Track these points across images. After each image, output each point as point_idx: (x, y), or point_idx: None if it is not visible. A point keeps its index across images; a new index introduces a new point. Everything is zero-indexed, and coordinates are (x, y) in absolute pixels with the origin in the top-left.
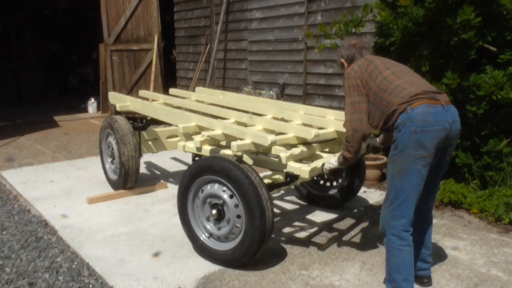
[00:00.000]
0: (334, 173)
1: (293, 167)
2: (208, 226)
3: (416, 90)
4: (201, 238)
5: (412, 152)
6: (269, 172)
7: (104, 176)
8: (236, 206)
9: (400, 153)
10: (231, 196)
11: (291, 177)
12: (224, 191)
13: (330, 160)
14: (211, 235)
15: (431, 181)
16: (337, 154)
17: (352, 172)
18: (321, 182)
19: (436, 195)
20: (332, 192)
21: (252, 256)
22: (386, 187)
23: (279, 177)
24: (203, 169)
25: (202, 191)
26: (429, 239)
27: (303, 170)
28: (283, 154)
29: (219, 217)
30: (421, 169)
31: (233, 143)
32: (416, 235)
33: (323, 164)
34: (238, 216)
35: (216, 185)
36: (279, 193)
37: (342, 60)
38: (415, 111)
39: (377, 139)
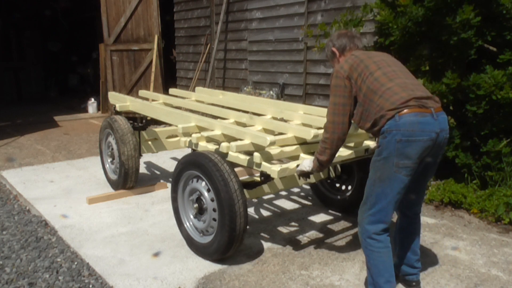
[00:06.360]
0: (305, 176)
1: (266, 166)
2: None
3: (407, 96)
4: (185, 225)
5: (396, 160)
6: None
7: (104, 176)
8: (212, 200)
9: (383, 160)
10: (208, 190)
11: (265, 177)
12: (203, 186)
13: (303, 163)
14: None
15: (417, 187)
16: (311, 157)
17: (365, 176)
18: (337, 184)
19: (425, 199)
20: (343, 196)
21: (222, 254)
22: (365, 191)
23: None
24: (188, 163)
25: (189, 184)
26: (416, 245)
27: (272, 170)
28: (225, 144)
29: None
30: (404, 178)
31: (232, 144)
32: (403, 240)
33: (297, 166)
34: (214, 210)
35: (199, 180)
36: (268, 195)
37: (334, 49)
38: (403, 119)
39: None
